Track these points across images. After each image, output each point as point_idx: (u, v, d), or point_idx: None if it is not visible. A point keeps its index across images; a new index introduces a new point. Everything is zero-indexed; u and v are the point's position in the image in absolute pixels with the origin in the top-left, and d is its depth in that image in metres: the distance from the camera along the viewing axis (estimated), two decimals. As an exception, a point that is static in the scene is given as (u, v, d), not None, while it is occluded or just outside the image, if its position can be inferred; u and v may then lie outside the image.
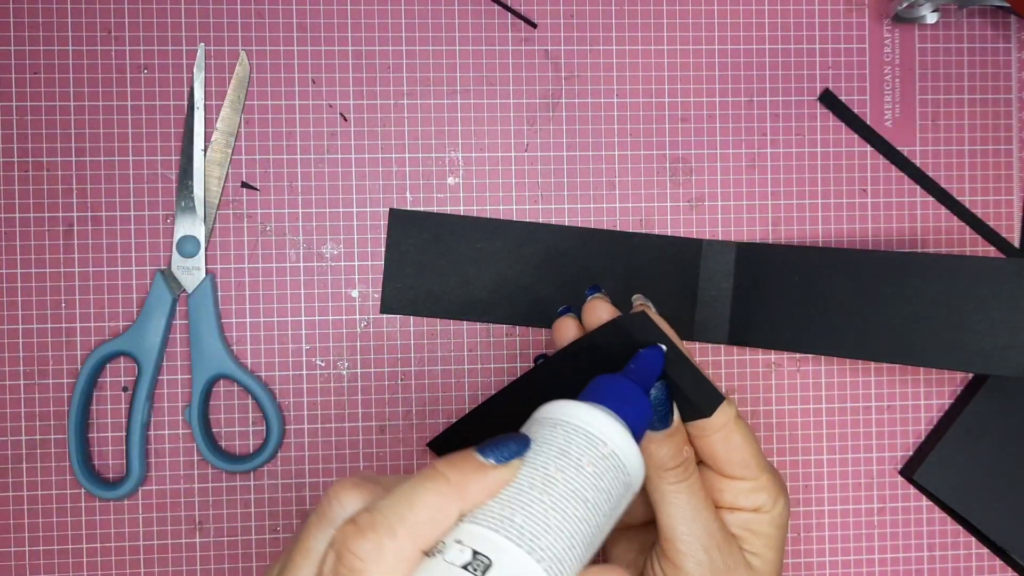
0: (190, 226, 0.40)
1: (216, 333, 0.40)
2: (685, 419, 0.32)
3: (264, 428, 0.41)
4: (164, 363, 0.40)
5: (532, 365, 0.36)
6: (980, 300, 0.37)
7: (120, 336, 0.40)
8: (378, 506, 0.23)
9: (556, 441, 0.26)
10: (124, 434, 0.40)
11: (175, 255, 0.40)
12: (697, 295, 0.42)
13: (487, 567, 0.23)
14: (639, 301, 0.34)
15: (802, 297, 0.40)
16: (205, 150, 0.40)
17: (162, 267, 0.40)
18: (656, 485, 0.32)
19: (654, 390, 0.30)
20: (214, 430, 0.41)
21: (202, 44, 0.40)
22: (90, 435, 0.40)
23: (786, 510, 0.33)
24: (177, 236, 0.40)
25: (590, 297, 0.33)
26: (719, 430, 0.31)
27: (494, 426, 0.35)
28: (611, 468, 0.26)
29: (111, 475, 0.41)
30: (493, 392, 0.41)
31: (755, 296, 0.41)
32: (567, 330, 0.34)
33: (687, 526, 0.31)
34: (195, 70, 0.40)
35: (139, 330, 0.40)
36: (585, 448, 0.26)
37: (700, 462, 0.33)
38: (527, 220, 0.42)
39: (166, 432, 0.40)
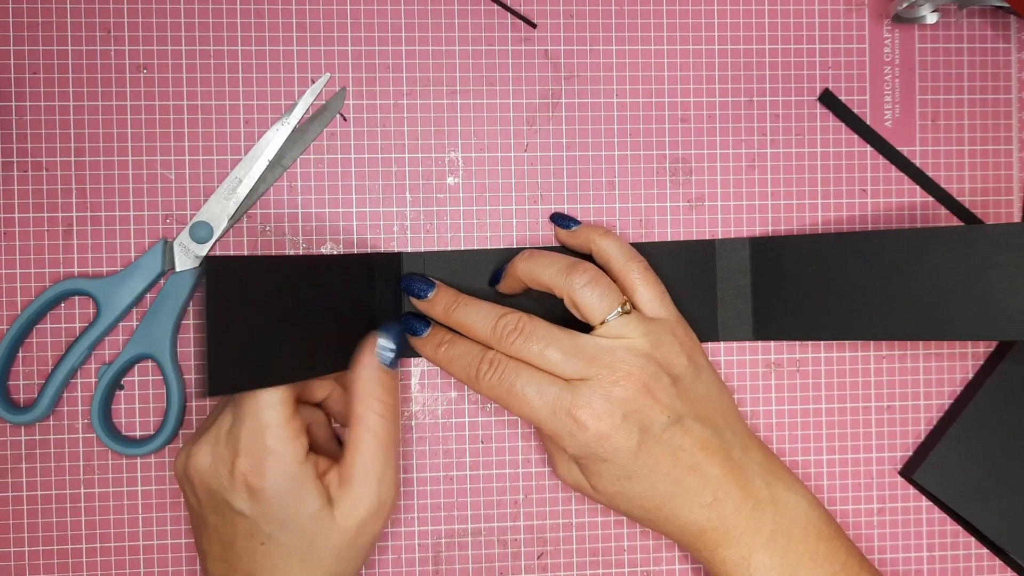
0: (213, 216, 0.40)
1: (174, 318, 0.39)
2: None
3: (163, 419, 0.40)
4: (120, 326, 0.40)
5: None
6: (1001, 267, 0.36)
7: (95, 279, 0.39)
8: None
9: None
10: (50, 368, 0.40)
11: (185, 232, 0.40)
12: (717, 295, 0.42)
13: None
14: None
15: (821, 285, 0.40)
16: (272, 163, 0.40)
17: (169, 239, 0.40)
18: None
19: None
20: (115, 406, 0.40)
21: (327, 74, 0.40)
22: (17, 369, 0.40)
23: None
24: (198, 218, 0.40)
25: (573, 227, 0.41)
26: None
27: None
28: None
29: (22, 397, 0.40)
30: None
31: (774, 289, 0.41)
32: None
33: None
34: (307, 93, 0.40)
35: (115, 282, 0.39)
36: None
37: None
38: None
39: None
